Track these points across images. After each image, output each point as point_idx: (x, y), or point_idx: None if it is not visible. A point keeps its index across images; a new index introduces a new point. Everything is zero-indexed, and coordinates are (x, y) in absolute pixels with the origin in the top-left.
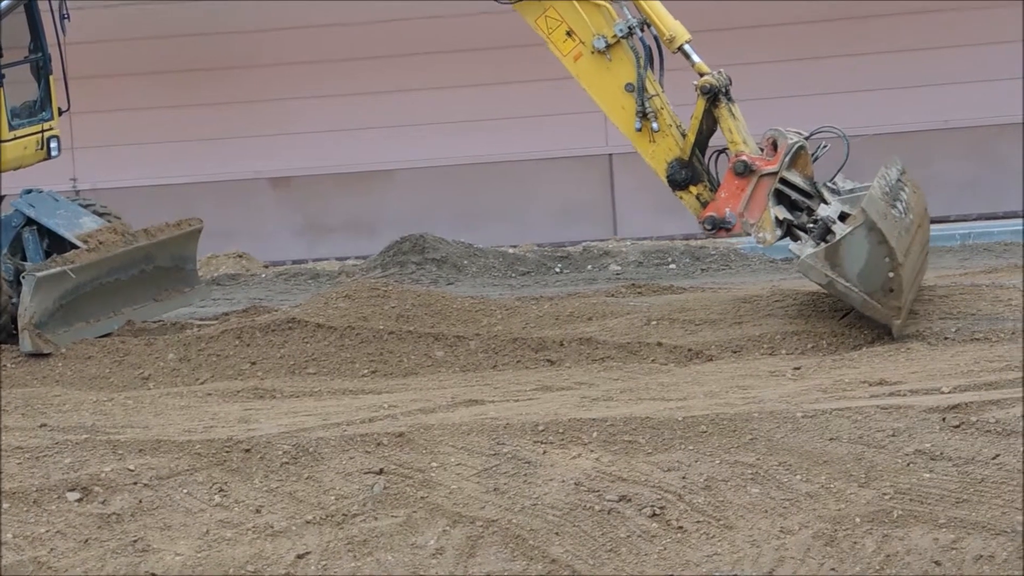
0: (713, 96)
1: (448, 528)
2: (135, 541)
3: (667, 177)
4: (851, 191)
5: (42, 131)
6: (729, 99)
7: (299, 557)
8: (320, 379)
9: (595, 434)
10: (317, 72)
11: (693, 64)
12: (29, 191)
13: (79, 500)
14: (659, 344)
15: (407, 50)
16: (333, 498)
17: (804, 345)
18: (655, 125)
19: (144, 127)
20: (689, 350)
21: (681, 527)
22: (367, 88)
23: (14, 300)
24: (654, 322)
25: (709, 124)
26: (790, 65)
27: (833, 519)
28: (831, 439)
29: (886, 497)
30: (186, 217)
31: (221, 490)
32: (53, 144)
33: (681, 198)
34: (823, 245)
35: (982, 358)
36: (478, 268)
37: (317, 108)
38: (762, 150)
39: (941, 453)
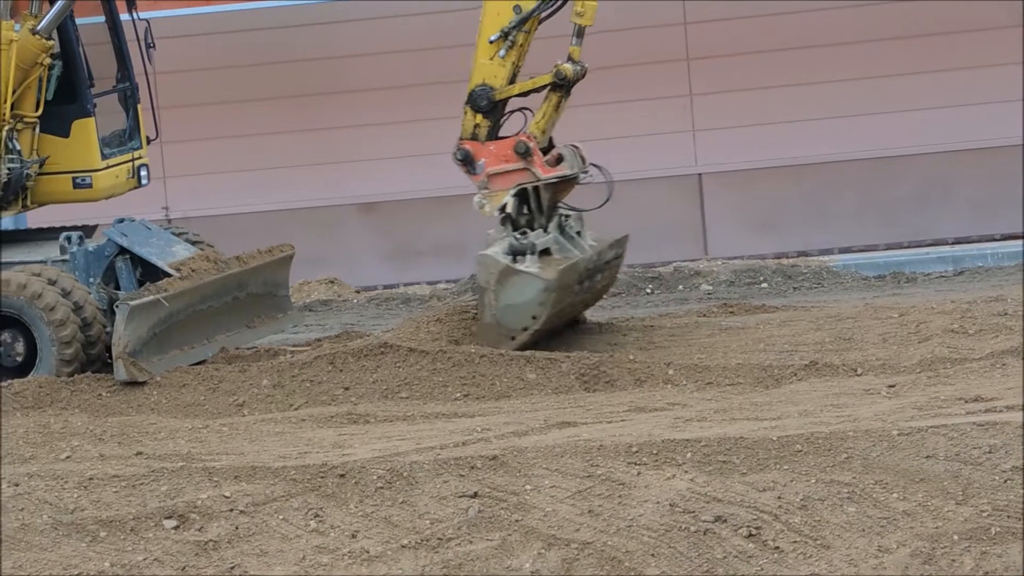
0: (558, 84)
1: (543, 551)
2: (232, 568)
3: (472, 92)
4: (571, 238)
5: (132, 160)
6: (567, 93)
7: None
8: (413, 403)
9: (689, 455)
10: (404, 97)
11: (571, 45)
12: (121, 220)
13: (176, 527)
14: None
15: None
16: (428, 522)
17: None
18: (503, 52)
19: (234, 155)
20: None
21: (778, 547)
22: (454, 112)
23: (108, 329)
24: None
25: (537, 91)
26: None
27: (931, 537)
28: (927, 457)
29: (984, 514)
30: (277, 244)
31: (317, 515)
32: (143, 172)
33: (464, 114)
34: (507, 260)
35: None
36: None
37: (404, 133)
38: (549, 149)
39: None
